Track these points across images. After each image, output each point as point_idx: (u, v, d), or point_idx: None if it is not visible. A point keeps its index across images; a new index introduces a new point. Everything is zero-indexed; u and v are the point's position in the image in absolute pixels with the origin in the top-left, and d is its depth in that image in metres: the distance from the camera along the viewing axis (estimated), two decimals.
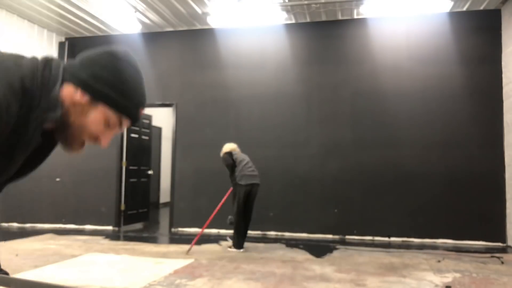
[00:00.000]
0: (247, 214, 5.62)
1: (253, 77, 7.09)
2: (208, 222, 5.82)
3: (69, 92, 0.99)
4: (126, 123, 1.05)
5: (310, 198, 6.75)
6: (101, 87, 0.99)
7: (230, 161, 5.64)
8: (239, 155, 5.75)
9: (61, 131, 1.01)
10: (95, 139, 1.04)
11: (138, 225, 7.94)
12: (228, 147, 5.79)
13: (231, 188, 5.71)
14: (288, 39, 7.08)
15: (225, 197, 5.84)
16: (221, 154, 5.77)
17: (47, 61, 0.98)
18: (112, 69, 1.00)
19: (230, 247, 5.59)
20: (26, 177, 1.10)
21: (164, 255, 5.19)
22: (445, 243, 6.23)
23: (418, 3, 6.18)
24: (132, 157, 7.83)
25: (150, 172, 8.51)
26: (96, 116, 1.01)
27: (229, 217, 5.80)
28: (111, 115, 1.02)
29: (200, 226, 7.11)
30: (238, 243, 5.54)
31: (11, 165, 1.00)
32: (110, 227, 7.34)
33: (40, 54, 1.02)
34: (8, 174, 1.02)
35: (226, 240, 6.09)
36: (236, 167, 5.59)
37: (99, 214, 7.36)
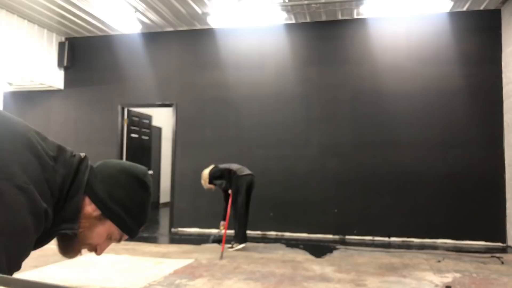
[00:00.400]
0: (247, 207, 5.68)
1: (253, 77, 7.09)
2: (226, 223, 5.75)
3: (85, 204, 1.00)
4: (124, 238, 1.09)
5: (310, 198, 6.75)
6: (114, 207, 1.01)
7: (219, 173, 5.69)
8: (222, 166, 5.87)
9: (64, 240, 1.01)
10: (93, 248, 1.06)
11: None
12: (207, 169, 5.83)
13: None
14: (288, 39, 7.08)
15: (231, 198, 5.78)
16: (205, 180, 5.77)
17: (79, 165, 0.99)
18: (129, 192, 1.03)
19: (231, 246, 5.58)
20: None
21: (164, 255, 5.19)
22: (445, 243, 6.23)
23: (418, 3, 6.18)
24: (132, 157, 7.82)
25: (150, 172, 8.51)
26: (102, 231, 1.03)
27: (211, 237, 6.03)
28: (115, 231, 1.05)
29: (200, 226, 7.12)
30: (243, 236, 5.58)
31: (21, 260, 1.00)
32: None
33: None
34: (16, 269, 1.03)
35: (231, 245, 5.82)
36: (230, 172, 5.68)
37: None
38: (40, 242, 0.97)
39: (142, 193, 1.05)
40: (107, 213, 1.01)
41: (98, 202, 1.00)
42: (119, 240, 1.09)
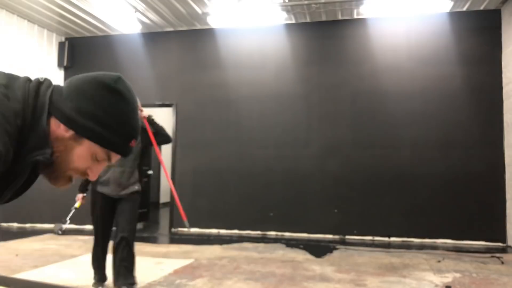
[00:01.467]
0: None
1: (253, 77, 7.09)
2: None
3: (54, 125, 0.90)
4: (115, 157, 0.97)
5: (310, 198, 6.75)
6: (85, 122, 0.89)
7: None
8: None
9: (45, 167, 0.92)
10: (83, 173, 0.96)
11: (138, 225, 7.92)
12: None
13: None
14: (288, 39, 7.08)
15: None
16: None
17: (38, 89, 0.89)
18: (99, 102, 0.90)
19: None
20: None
21: (164, 255, 5.19)
22: (445, 243, 6.23)
23: (418, 3, 6.18)
24: None
25: (150, 172, 8.51)
26: (82, 152, 0.92)
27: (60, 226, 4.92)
28: (98, 150, 0.93)
29: (200, 226, 7.11)
30: None
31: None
32: None
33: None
34: None
35: None
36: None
37: None
38: (16, 175, 0.88)
39: (116, 102, 0.92)
40: (80, 131, 0.89)
41: (67, 120, 0.89)
42: (109, 160, 0.96)
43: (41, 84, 0.91)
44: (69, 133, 0.90)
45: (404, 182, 6.45)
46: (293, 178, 6.84)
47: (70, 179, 0.95)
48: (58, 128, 0.90)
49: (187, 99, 7.34)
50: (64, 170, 0.93)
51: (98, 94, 0.90)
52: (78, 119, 0.89)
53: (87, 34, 7.78)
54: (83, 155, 0.92)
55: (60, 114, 0.89)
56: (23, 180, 0.93)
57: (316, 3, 6.32)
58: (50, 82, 0.93)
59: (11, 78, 0.89)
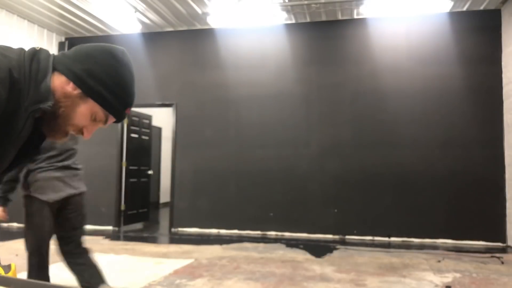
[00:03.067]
0: None
1: (253, 77, 7.09)
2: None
3: (61, 83, 1.00)
4: (111, 120, 1.08)
5: (310, 198, 6.75)
6: (94, 84, 1.01)
7: None
8: None
9: (48, 120, 1.01)
10: (79, 130, 1.06)
11: (138, 225, 7.94)
12: None
13: None
14: (288, 39, 7.08)
15: None
16: None
17: (35, 52, 0.99)
18: (107, 68, 1.02)
19: None
20: (23, 167, 1.12)
21: (164, 255, 5.19)
22: (445, 243, 6.23)
23: (418, 3, 6.18)
24: (132, 157, 7.82)
25: (150, 172, 8.51)
26: (85, 110, 1.03)
27: None
28: (99, 111, 1.04)
29: (200, 226, 7.12)
30: None
31: (4, 157, 1.00)
32: (110, 227, 7.34)
33: (27, 46, 1.03)
34: (2, 166, 1.02)
35: None
36: None
37: (99, 214, 7.36)
38: (19, 129, 0.95)
39: (122, 71, 1.05)
40: (87, 90, 1.01)
41: (77, 80, 1.00)
42: (105, 122, 1.07)
43: (37, 50, 1.00)
44: (77, 91, 1.00)
45: (404, 182, 6.45)
46: (293, 178, 6.84)
47: (66, 134, 1.06)
48: (66, 85, 1.00)
49: (187, 99, 7.35)
50: (65, 124, 1.03)
51: (107, 61, 1.03)
52: (88, 80, 1.00)
53: (87, 34, 7.78)
54: (85, 113, 1.03)
55: (71, 74, 1.00)
56: (27, 133, 1.00)
57: (316, 3, 6.32)
58: (47, 50, 1.03)
59: (7, 46, 0.99)
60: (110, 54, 1.04)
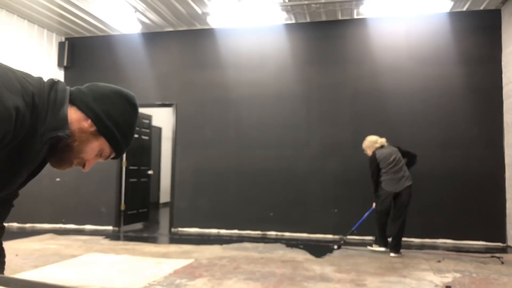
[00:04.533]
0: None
1: (253, 77, 7.09)
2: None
3: (78, 118, 1.07)
4: (111, 156, 1.18)
5: (310, 198, 6.75)
6: (110, 124, 1.09)
7: (374, 163, 5.37)
8: (384, 151, 5.40)
9: (59, 152, 1.07)
10: (83, 163, 1.14)
11: (138, 225, 7.94)
12: (369, 141, 5.54)
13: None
14: (288, 39, 7.08)
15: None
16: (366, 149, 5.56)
17: (53, 83, 1.05)
18: (123, 111, 1.12)
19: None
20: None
21: (164, 255, 5.19)
22: (445, 243, 6.23)
23: (418, 3, 6.18)
24: (132, 157, 7.82)
25: (150, 172, 8.51)
26: (95, 146, 1.11)
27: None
28: (106, 148, 1.13)
29: (200, 226, 7.11)
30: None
31: (17, 179, 1.04)
32: (110, 227, 7.34)
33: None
34: (9, 189, 1.04)
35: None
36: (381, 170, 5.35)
37: (99, 214, 7.36)
38: (35, 153, 1.00)
39: (133, 115, 1.15)
40: (103, 129, 1.09)
41: (95, 118, 1.07)
42: (106, 158, 1.16)
43: (56, 81, 1.06)
44: (93, 128, 1.08)
45: None
46: (293, 178, 6.84)
47: (71, 165, 1.12)
48: (83, 121, 1.07)
49: (187, 99, 7.35)
50: (75, 156, 1.10)
51: (123, 105, 1.12)
52: (105, 121, 1.09)
53: (87, 34, 7.78)
54: (95, 148, 1.11)
55: (90, 111, 1.08)
56: (41, 158, 1.05)
57: (316, 3, 6.32)
58: (63, 83, 1.10)
59: (27, 73, 1.04)
60: (125, 98, 1.14)
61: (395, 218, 5.38)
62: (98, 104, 1.08)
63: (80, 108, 1.07)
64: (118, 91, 1.14)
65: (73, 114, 1.05)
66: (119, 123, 1.10)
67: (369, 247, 5.66)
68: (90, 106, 1.07)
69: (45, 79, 1.06)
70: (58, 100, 1.02)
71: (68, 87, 1.09)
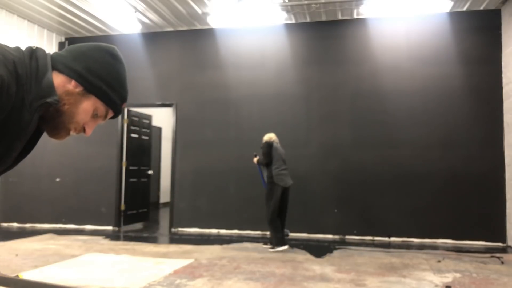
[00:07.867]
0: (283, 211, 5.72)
1: (253, 77, 7.09)
2: None
3: (62, 81, 1.02)
4: (110, 115, 1.12)
5: (310, 198, 6.75)
6: (94, 80, 1.04)
7: (269, 151, 5.69)
8: (278, 149, 5.78)
9: (51, 119, 1.03)
10: (81, 128, 1.08)
11: (138, 225, 7.94)
12: (268, 136, 5.90)
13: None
14: (288, 39, 7.08)
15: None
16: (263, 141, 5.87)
17: (32, 50, 1.01)
18: (104, 64, 1.06)
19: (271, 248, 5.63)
20: (15, 166, 1.12)
21: (164, 255, 5.19)
22: (445, 243, 6.23)
23: (418, 3, 6.18)
24: (132, 157, 7.82)
25: (150, 172, 8.51)
26: (87, 107, 1.06)
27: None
28: (100, 106, 1.08)
29: (200, 226, 7.11)
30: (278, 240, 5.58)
31: (12, 152, 1.01)
32: (110, 227, 7.34)
33: (26, 46, 1.04)
34: (5, 163, 1.02)
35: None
36: (273, 163, 5.67)
37: (99, 214, 7.36)
38: (25, 124, 0.97)
39: (118, 66, 1.09)
40: (89, 87, 1.04)
41: (79, 77, 1.03)
42: (104, 118, 1.11)
43: (34, 49, 1.02)
44: (79, 88, 1.03)
45: (404, 182, 6.45)
46: (293, 178, 6.83)
47: (69, 132, 1.07)
48: (67, 84, 1.03)
49: (187, 99, 7.35)
50: (68, 122, 1.05)
51: (104, 58, 1.07)
52: (89, 77, 1.04)
53: (87, 34, 7.78)
54: (88, 109, 1.06)
55: (72, 72, 1.03)
56: (33, 129, 1.01)
57: (316, 3, 6.32)
58: (43, 49, 1.05)
59: (5, 44, 1.00)
60: (105, 51, 1.08)
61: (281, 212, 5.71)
62: (78, 63, 1.04)
63: (61, 71, 1.03)
64: (96, 45, 1.09)
65: (57, 79, 1.02)
66: (102, 76, 1.05)
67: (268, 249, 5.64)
68: (71, 66, 1.03)
69: (24, 48, 1.02)
70: (40, 67, 0.99)
71: (48, 53, 1.05)
